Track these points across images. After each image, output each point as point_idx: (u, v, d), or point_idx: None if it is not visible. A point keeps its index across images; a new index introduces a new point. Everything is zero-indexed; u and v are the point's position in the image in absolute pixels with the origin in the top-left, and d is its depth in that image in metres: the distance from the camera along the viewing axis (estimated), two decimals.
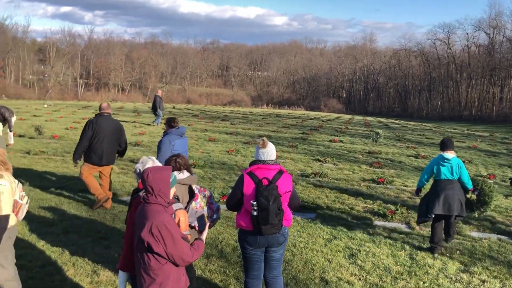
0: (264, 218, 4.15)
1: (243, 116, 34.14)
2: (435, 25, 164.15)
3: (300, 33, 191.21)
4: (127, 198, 8.84)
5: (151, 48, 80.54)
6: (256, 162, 4.45)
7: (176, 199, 3.88)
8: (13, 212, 4.26)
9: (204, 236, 3.57)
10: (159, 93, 23.18)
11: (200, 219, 3.82)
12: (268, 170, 4.35)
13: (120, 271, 3.71)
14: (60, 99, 56.10)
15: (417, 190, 7.43)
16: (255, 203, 4.17)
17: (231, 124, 26.42)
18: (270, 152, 4.46)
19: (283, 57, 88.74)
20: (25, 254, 5.89)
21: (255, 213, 4.18)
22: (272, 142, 17.53)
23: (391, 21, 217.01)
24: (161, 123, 22.76)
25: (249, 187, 4.29)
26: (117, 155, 8.70)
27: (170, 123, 7.70)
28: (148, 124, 23.39)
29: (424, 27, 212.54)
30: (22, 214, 4.39)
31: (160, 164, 3.93)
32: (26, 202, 4.41)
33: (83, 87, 68.38)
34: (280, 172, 4.40)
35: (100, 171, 8.38)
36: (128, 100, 61.46)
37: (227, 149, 15.57)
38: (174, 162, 4.58)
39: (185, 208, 4.28)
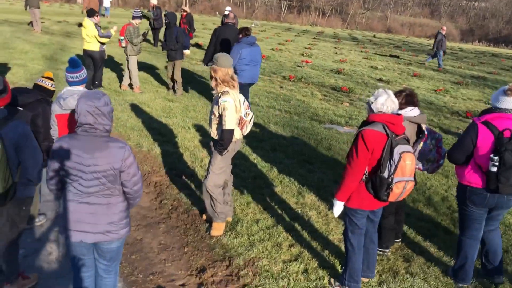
0: (506, 176, 3.58)
1: (451, 52, 30.83)
2: None
3: None
4: (329, 126, 8.85)
5: None
6: (492, 110, 3.79)
7: (406, 140, 3.55)
8: (238, 127, 4.51)
9: None
10: (443, 30, 19.54)
11: None
12: (510, 120, 3.68)
13: (338, 201, 3.65)
14: (264, 19, 58.63)
15: None
16: (496, 157, 3.59)
17: None
18: None
19: None
20: (239, 164, 6.39)
21: (494, 169, 3.62)
22: (487, 86, 15.37)
23: None
24: (443, 64, 20.27)
25: (485, 139, 3.70)
26: None
27: (243, 31, 8.04)
28: (421, 63, 22.78)
29: None
30: (246, 129, 4.62)
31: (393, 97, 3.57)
32: (251, 119, 4.61)
33: (286, 9, 69.94)
34: None
35: None
36: (327, 25, 61.06)
37: (435, 88, 14.29)
38: (403, 96, 4.19)
39: (413, 149, 3.96)
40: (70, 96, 3.85)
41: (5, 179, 3.10)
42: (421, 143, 4.14)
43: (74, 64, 4.03)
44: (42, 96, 4.15)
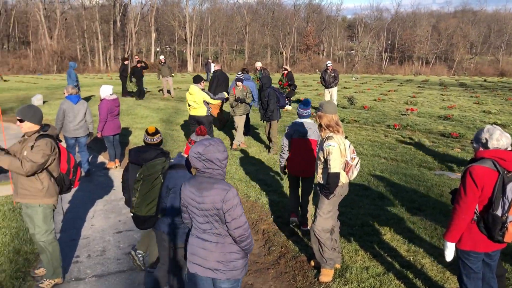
0: None
1: None
2: None
3: None
4: (440, 172, 8.45)
5: (461, 17, 74.56)
6: None
7: None
8: (344, 171, 4.56)
9: None
10: None
11: None
12: None
13: (448, 242, 3.48)
14: (365, 72, 58.64)
15: None
16: None
17: None
18: None
19: None
20: (346, 212, 6.34)
21: None
22: None
23: None
24: None
25: None
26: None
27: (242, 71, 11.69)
28: None
29: None
30: (353, 174, 4.63)
31: None
32: (356, 164, 4.63)
33: (387, 60, 69.38)
34: None
35: None
36: (431, 73, 59.12)
37: None
38: None
39: None
40: (306, 127, 5.58)
41: (149, 207, 3.78)
42: None
43: (306, 103, 5.78)
44: (160, 150, 4.62)
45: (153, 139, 4.65)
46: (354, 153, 4.64)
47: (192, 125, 9.64)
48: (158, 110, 16.11)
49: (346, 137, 4.62)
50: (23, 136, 4.32)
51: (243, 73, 11.42)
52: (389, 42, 73.80)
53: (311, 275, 4.76)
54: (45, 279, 4.49)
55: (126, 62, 19.66)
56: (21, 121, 4.18)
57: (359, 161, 4.65)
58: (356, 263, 4.97)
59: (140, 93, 18.94)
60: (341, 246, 5.28)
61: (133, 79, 18.61)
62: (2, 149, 4.15)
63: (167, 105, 17.48)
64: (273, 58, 65.12)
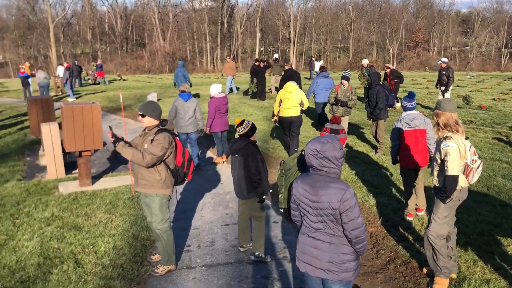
0: None
1: None
2: None
3: None
4: None
5: None
6: None
7: None
8: (463, 174, 4.20)
9: None
10: None
11: None
12: None
13: None
14: (481, 70, 54.19)
15: None
16: None
17: None
18: None
19: None
20: (461, 219, 5.87)
21: None
22: None
23: None
24: None
25: None
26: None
27: (321, 69, 12.38)
28: None
29: None
30: (473, 178, 4.23)
31: None
32: (478, 167, 4.23)
33: (507, 57, 63.41)
34: None
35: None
36: None
37: None
38: None
39: None
40: (414, 118, 5.78)
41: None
42: None
43: (410, 96, 5.91)
44: (248, 141, 4.90)
45: (239, 130, 4.90)
46: (475, 155, 4.26)
47: (283, 127, 9.10)
48: (262, 108, 16.39)
49: (466, 138, 4.27)
50: (144, 130, 4.62)
51: (322, 71, 12.16)
52: (510, 36, 67.35)
53: (423, 283, 4.48)
54: (160, 265, 4.77)
55: (257, 63, 18.85)
56: (142, 116, 4.48)
57: (482, 164, 4.25)
58: (474, 274, 4.57)
59: (261, 94, 18.42)
60: (458, 254, 4.90)
61: (255, 80, 18.34)
62: (126, 142, 4.48)
63: (271, 103, 17.69)
64: (379, 55, 62.93)
